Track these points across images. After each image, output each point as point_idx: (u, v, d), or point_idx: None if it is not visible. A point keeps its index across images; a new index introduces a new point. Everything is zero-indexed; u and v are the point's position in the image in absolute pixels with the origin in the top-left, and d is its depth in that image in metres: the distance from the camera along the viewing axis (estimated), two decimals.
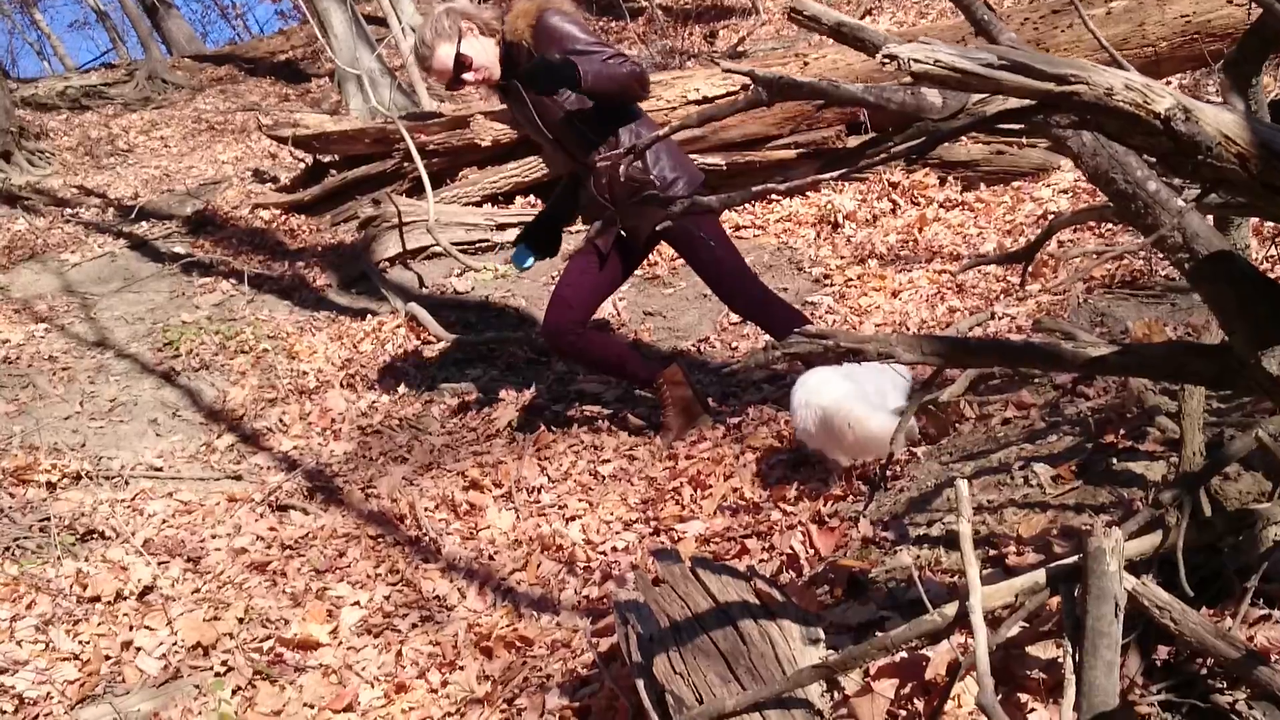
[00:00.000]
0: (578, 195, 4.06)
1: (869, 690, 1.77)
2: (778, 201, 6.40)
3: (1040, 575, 1.69)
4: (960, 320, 4.46)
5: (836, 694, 1.88)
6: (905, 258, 5.47)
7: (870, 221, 5.93)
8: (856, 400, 2.98)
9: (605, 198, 3.84)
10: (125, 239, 7.60)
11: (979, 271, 5.05)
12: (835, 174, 2.02)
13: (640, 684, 2.00)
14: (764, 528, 3.03)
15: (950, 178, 6.06)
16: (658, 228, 3.76)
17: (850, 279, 5.35)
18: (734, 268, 3.88)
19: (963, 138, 6.19)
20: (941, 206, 5.88)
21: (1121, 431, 2.40)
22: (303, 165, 8.46)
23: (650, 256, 6.02)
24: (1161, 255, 4.84)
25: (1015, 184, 5.88)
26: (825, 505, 2.90)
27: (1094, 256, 4.95)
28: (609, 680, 2.30)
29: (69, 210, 8.75)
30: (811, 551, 2.58)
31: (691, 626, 1.98)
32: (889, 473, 2.95)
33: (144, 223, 8.00)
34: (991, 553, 2.16)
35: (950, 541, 2.27)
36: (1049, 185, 5.74)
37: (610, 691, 2.37)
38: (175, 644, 3.22)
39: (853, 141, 6.33)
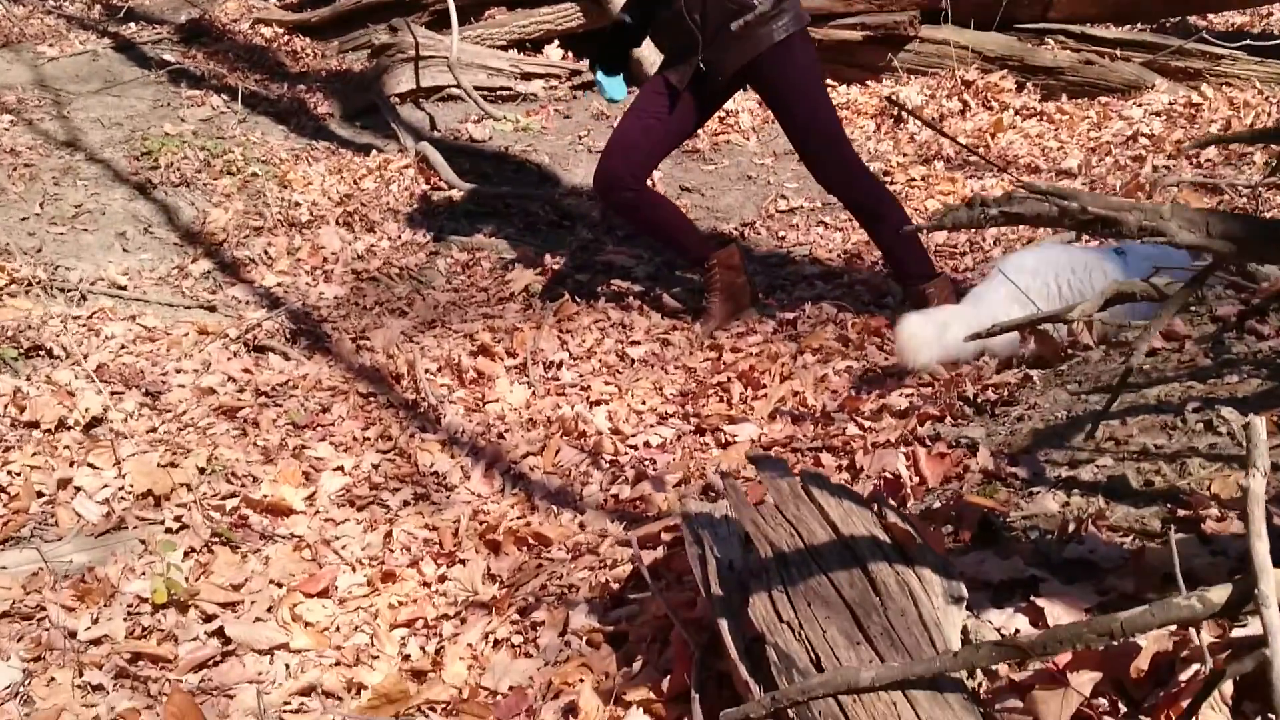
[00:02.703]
0: (643, 21, 3.46)
1: (1061, 683, 1.30)
2: (833, 88, 5.81)
3: None
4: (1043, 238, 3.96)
5: (993, 678, 1.41)
6: (975, 164, 4.93)
7: (938, 119, 5.37)
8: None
9: (694, 19, 3.24)
10: (110, 39, 6.88)
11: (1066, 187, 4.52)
12: None
13: (724, 625, 1.53)
14: (837, 442, 2.55)
15: (1030, 84, 5.48)
16: (748, 61, 3.24)
17: (914, 179, 4.82)
18: (829, 128, 3.33)
19: (1050, 41, 5.62)
20: (1018, 114, 5.32)
21: None
22: None
23: None
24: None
25: (1102, 99, 5.32)
26: (921, 425, 2.41)
27: (1192, 187, 4.45)
28: (664, 606, 1.82)
29: (52, 2, 7.99)
30: (917, 479, 2.10)
31: (804, 562, 1.50)
32: (998, 396, 2.47)
33: (132, 24, 7.27)
34: (1181, 513, 1.68)
35: (1115, 490, 1.79)
36: (1140, 104, 5.20)
37: (658, 620, 1.90)
38: (122, 489, 2.73)
39: (927, 29, 5.72)
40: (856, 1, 5.84)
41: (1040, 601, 1.52)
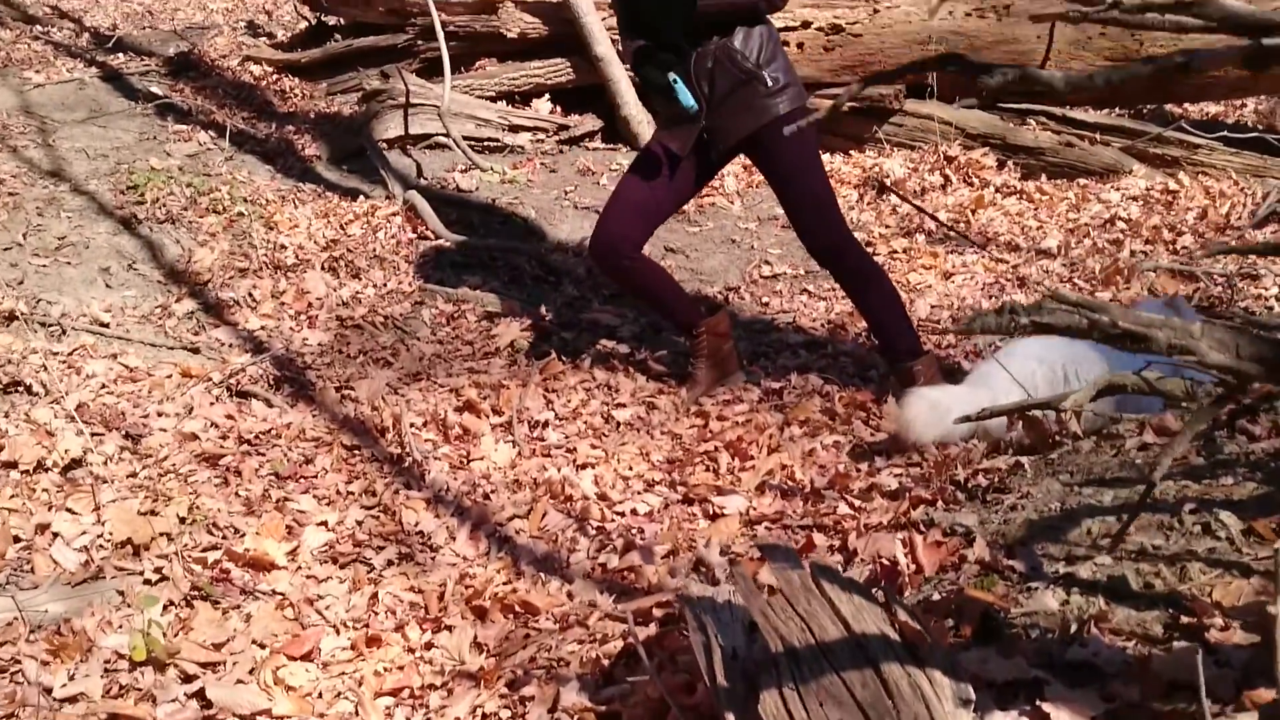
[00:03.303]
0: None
1: None
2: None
3: None
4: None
5: None
6: (956, 239, 5.00)
7: (919, 194, 5.44)
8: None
9: (701, 86, 3.26)
10: (98, 68, 6.84)
11: (1043, 268, 4.60)
12: None
13: (730, 719, 1.52)
14: (828, 520, 2.56)
15: (1010, 162, 5.58)
16: (752, 132, 3.27)
17: (895, 251, 4.89)
18: (823, 198, 3.36)
19: (1031, 121, 5.73)
20: (998, 191, 5.41)
21: None
22: (304, 25, 7.74)
23: None
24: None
25: (1081, 181, 5.42)
26: (913, 508, 2.43)
27: (1170, 273, 4.54)
28: (661, 689, 1.81)
29: (39, 28, 7.95)
30: (914, 568, 2.11)
31: (816, 659, 1.49)
32: (989, 482, 2.49)
33: (121, 55, 7.24)
34: (1183, 620, 1.70)
35: (1115, 591, 1.81)
36: (1118, 189, 5.30)
37: (652, 702, 1.89)
38: (101, 536, 2.69)
39: (911, 104, 5.81)
40: (843, 72, 5.94)
41: (1046, 707, 1.53)
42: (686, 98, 3.21)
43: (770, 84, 3.23)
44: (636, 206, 3.44)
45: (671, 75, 3.21)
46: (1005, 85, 1.19)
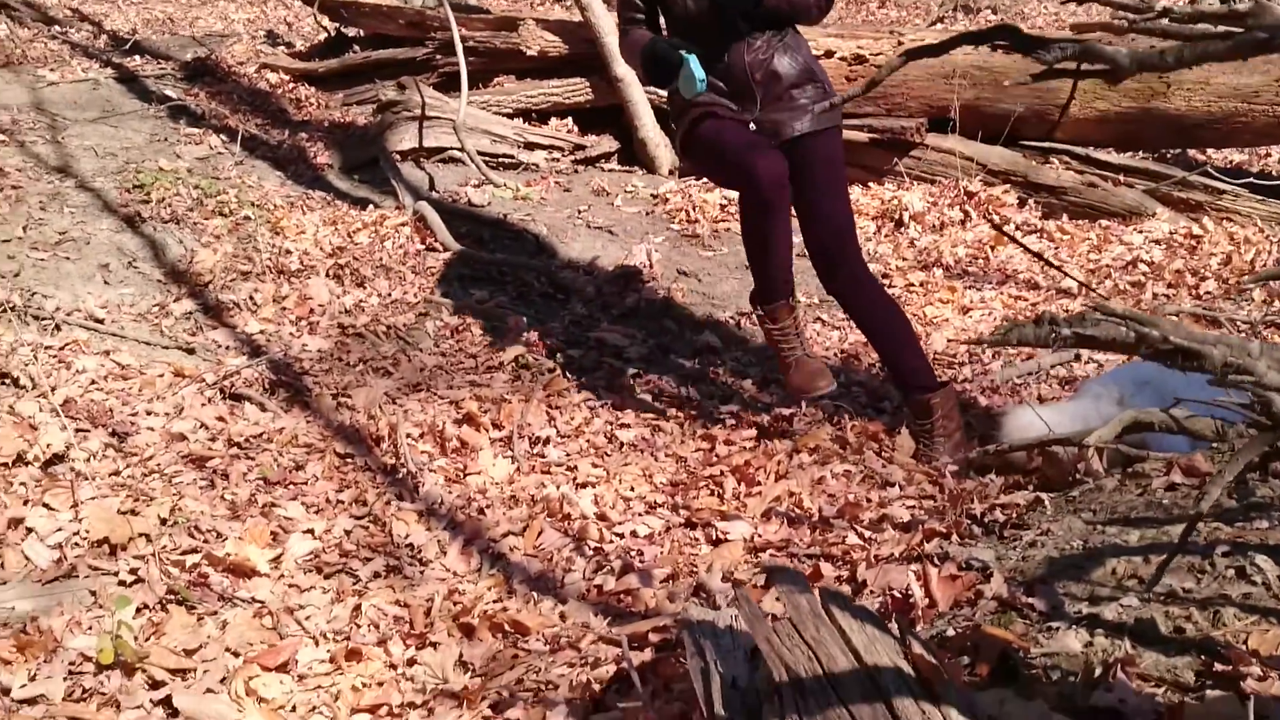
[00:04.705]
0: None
1: None
2: None
3: None
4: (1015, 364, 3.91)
5: None
6: (974, 274, 4.90)
7: (937, 228, 5.35)
8: None
9: (755, 78, 3.12)
10: (113, 69, 6.81)
11: (1064, 307, 4.49)
12: None
13: None
14: (837, 550, 2.44)
15: (1032, 200, 5.48)
16: (799, 135, 3.14)
17: (912, 284, 4.78)
18: (847, 225, 3.25)
19: (1054, 160, 5.63)
20: (1018, 229, 5.31)
21: None
22: (323, 36, 7.71)
23: (692, 214, 5.44)
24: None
25: (1103, 222, 5.32)
26: (926, 540, 2.31)
27: (1192, 317, 4.42)
28: (654, 719, 1.69)
29: (58, 29, 7.94)
30: (927, 601, 1.99)
31: (823, 691, 1.38)
32: (1006, 517, 2.37)
33: (137, 57, 7.22)
34: (1217, 667, 1.58)
35: (1143, 635, 1.69)
36: (1141, 231, 5.19)
37: None
38: (77, 534, 2.58)
39: (933, 138, 5.73)
40: (865, 103, 5.86)
41: None
42: (696, 75, 3.00)
43: (827, 90, 3.16)
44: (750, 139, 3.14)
45: (684, 52, 3.03)
46: (1064, 60, 1.09)
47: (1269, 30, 1.10)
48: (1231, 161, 6.66)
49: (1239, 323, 4.29)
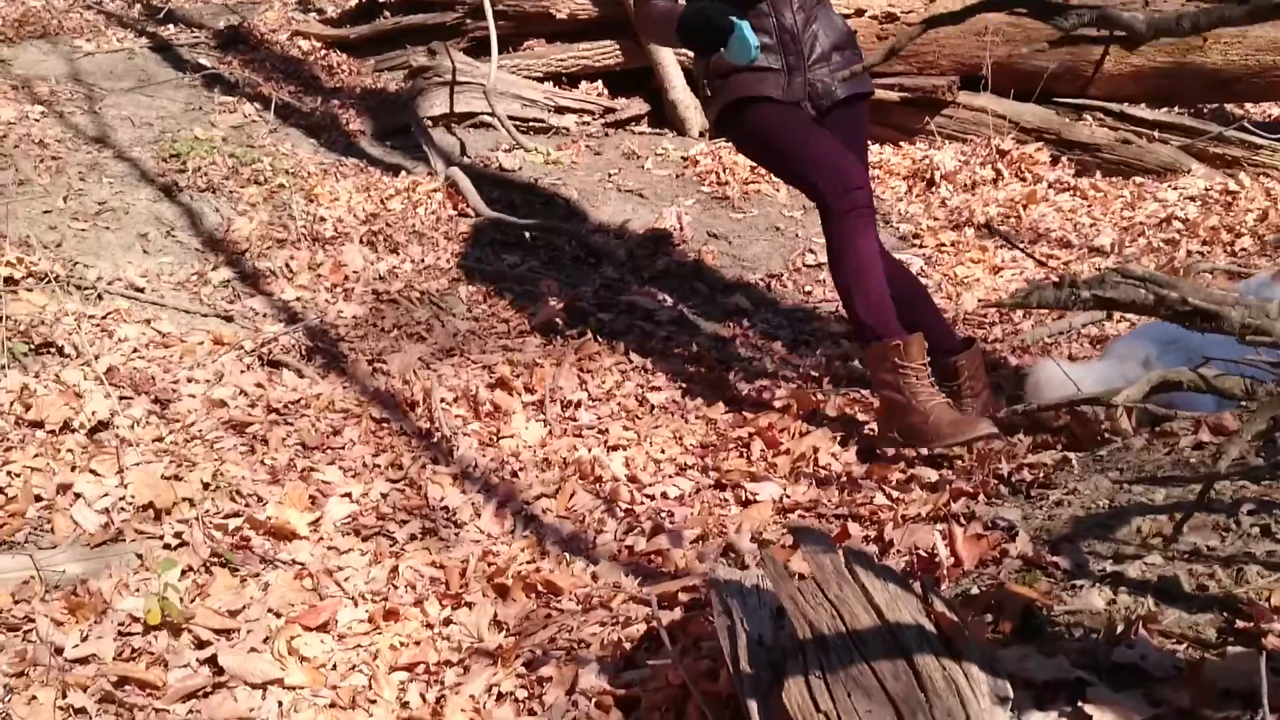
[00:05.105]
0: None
1: None
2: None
3: None
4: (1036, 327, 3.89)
5: None
6: (1006, 234, 4.88)
7: (969, 187, 5.32)
8: None
9: (802, 41, 3.02)
10: (148, 39, 6.87)
11: (1095, 265, 4.47)
12: None
13: (752, 707, 1.44)
14: (864, 510, 2.47)
15: (1065, 158, 5.44)
16: (848, 96, 3.07)
17: (943, 244, 4.78)
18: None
19: (1088, 117, 5.58)
20: (1051, 187, 5.27)
21: None
22: (354, 1, 7.72)
23: (722, 176, 5.44)
24: None
25: (1137, 179, 5.27)
26: (954, 500, 2.33)
27: (1226, 274, 4.39)
28: (683, 675, 1.74)
29: None
30: (952, 560, 2.02)
31: (846, 647, 1.41)
32: (1034, 477, 2.39)
33: (171, 26, 7.27)
34: (1240, 624, 1.60)
35: (1166, 592, 1.71)
36: (1176, 188, 5.14)
37: (673, 688, 1.81)
38: (123, 499, 2.65)
39: (965, 96, 5.68)
40: (896, 62, 5.81)
41: (1088, 709, 1.44)
42: (750, 41, 2.84)
43: (861, 54, 3.15)
44: (827, 146, 2.99)
45: (735, 17, 2.86)
46: (1081, 26, 1.10)
47: None
48: (1270, 115, 6.56)
49: None
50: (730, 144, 5.67)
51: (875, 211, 3.00)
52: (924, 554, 2.07)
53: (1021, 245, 4.53)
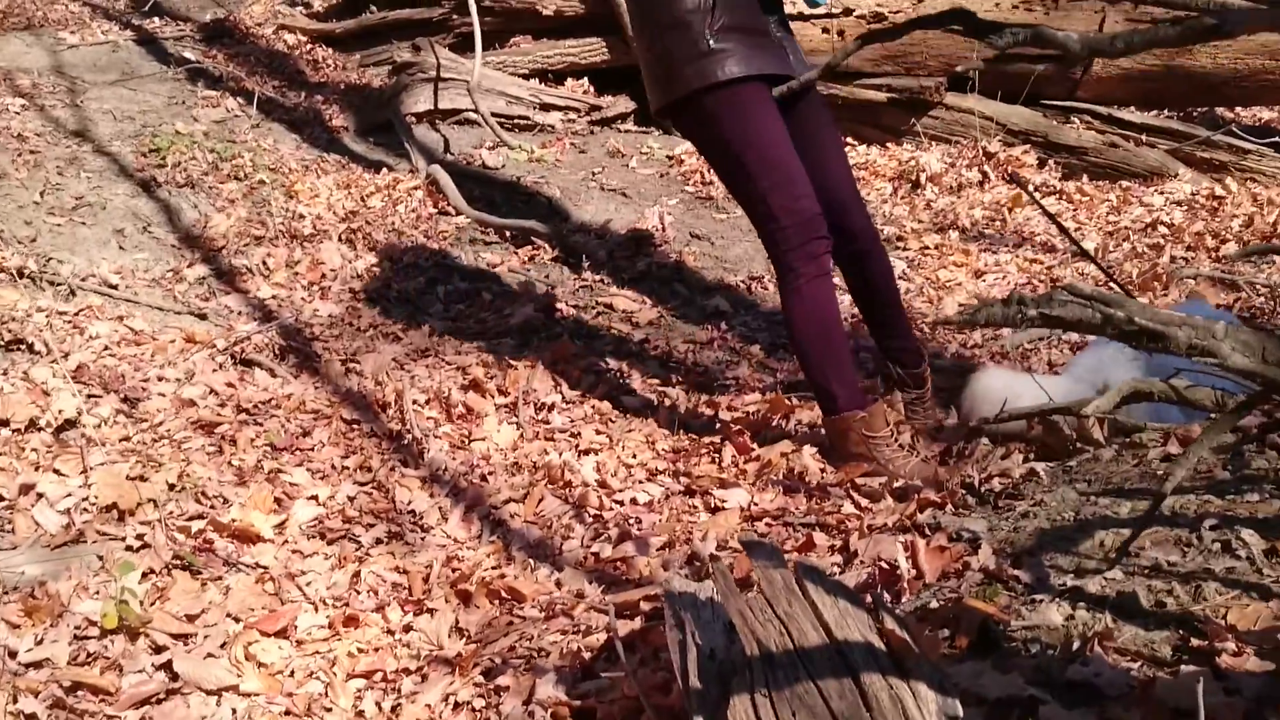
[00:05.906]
0: None
1: None
2: (853, 148, 5.74)
3: None
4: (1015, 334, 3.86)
5: None
6: (990, 237, 4.86)
7: (955, 189, 5.30)
8: None
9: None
10: (132, 31, 6.83)
11: (1079, 270, 4.45)
12: None
13: None
14: (832, 519, 2.45)
15: (1052, 161, 5.42)
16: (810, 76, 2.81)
17: (927, 247, 4.75)
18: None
19: (1076, 120, 5.56)
20: (1037, 190, 5.25)
21: None
22: None
23: (706, 176, 5.41)
24: None
25: (1124, 183, 5.25)
26: (921, 510, 2.31)
27: (1210, 281, 4.37)
28: (636, 688, 1.72)
29: None
30: (914, 573, 2.00)
31: (793, 664, 1.39)
32: (1002, 487, 2.37)
33: (156, 19, 7.22)
34: (1194, 642, 1.58)
35: (1124, 608, 1.69)
36: (1162, 192, 5.12)
37: (629, 700, 1.79)
38: (86, 500, 2.62)
39: (952, 97, 5.66)
40: (885, 62, 5.80)
41: None
42: None
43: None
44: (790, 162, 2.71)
45: None
46: (1015, 46, 1.08)
47: (1217, 15, 1.07)
48: (1260, 119, 6.56)
49: (1258, 286, 4.24)
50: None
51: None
52: (886, 565, 2.05)
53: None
